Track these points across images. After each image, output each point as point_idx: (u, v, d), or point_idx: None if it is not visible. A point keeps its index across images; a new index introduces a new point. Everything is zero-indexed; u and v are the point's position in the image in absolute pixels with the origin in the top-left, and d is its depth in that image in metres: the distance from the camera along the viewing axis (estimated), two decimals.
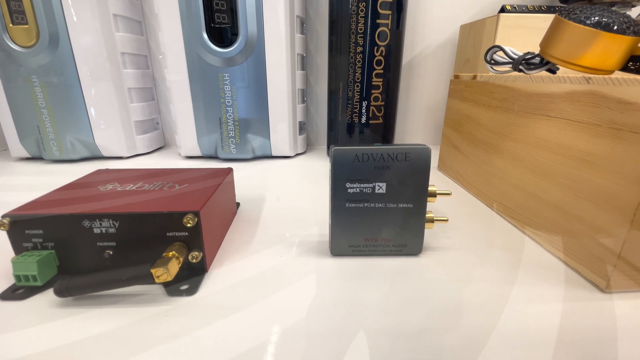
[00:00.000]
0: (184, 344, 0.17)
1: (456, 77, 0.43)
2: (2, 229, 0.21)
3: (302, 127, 0.59)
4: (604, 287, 0.22)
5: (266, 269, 0.24)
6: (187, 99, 0.50)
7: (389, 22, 0.45)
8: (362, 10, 0.44)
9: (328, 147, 0.58)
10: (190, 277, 0.23)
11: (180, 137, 0.53)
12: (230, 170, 0.32)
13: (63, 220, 0.21)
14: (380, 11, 0.44)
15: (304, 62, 0.57)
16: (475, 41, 0.49)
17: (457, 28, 0.57)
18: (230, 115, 0.51)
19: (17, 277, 0.21)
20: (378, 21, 0.45)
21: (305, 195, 0.39)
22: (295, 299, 0.21)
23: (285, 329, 0.19)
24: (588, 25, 0.27)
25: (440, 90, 0.63)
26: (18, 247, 0.22)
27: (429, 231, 0.29)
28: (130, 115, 0.54)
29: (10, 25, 0.47)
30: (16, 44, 0.48)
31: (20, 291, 0.21)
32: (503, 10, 0.45)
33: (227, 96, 0.50)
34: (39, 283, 0.21)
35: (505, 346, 0.17)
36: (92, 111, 0.51)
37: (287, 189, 0.41)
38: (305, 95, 0.59)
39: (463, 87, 0.41)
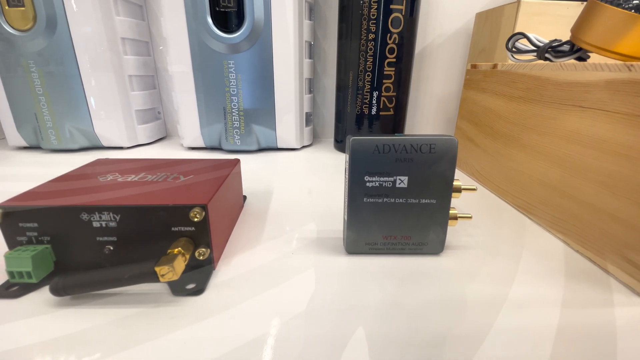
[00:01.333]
0: (191, 350, 0.16)
1: (473, 66, 0.41)
2: None
3: (309, 119, 0.57)
4: None
5: (277, 267, 0.23)
6: (190, 87, 0.48)
7: (403, 7, 0.43)
8: None
9: (335, 140, 0.56)
10: (196, 275, 0.21)
11: (182, 127, 0.51)
12: (237, 161, 0.30)
13: (59, 212, 0.20)
14: None
15: (312, 50, 0.55)
16: (492, 29, 0.47)
17: (472, 16, 0.55)
18: (234, 105, 0.49)
19: (11, 274, 0.19)
20: (392, 6, 0.42)
21: (316, 189, 0.37)
22: (309, 300, 0.20)
23: (298, 332, 0.17)
24: (627, 8, 0.25)
25: (451, 82, 0.60)
26: (11, 241, 0.20)
27: (449, 229, 0.28)
28: (131, 103, 0.52)
29: (7, 7, 0.45)
30: (12, 27, 0.45)
31: (14, 288, 0.20)
32: None
33: (232, 85, 0.48)
34: (34, 280, 0.20)
35: (536, 354, 0.16)
36: (91, 99, 0.49)
37: (294, 182, 0.40)
38: (312, 86, 0.57)
39: (481, 77, 0.39)
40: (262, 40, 0.46)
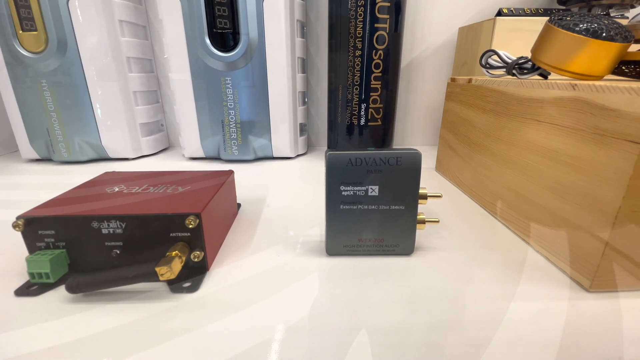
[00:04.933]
0: (187, 339, 0.19)
1: (453, 80, 0.44)
2: (17, 230, 0.22)
3: (303, 129, 0.60)
4: (588, 286, 0.23)
5: (264, 269, 0.25)
6: (191, 102, 0.52)
7: (387, 25, 0.46)
8: (360, 15, 0.45)
9: (328, 149, 0.59)
10: (192, 276, 0.24)
11: (184, 138, 0.54)
12: (231, 172, 0.33)
13: (73, 221, 0.23)
14: (379, 15, 0.45)
15: (305, 65, 0.58)
16: (472, 44, 0.50)
17: (456, 30, 0.58)
18: (232, 118, 0.52)
19: (31, 275, 0.23)
20: (376, 25, 0.45)
21: (305, 196, 0.40)
22: (292, 296, 0.22)
23: (280, 325, 0.20)
24: (577, 32, 0.28)
25: (439, 92, 0.63)
26: (32, 247, 0.23)
27: (423, 232, 0.30)
28: (136, 117, 0.56)
29: (20, 31, 0.49)
30: (26, 49, 0.49)
31: (34, 288, 0.23)
32: (500, 13, 0.45)
33: (229, 99, 0.51)
34: (51, 280, 0.23)
35: (488, 343, 0.19)
36: (99, 114, 0.53)
37: (287, 190, 0.42)
38: (306, 97, 0.60)
39: (459, 90, 0.42)
40: (256, 58, 0.49)
